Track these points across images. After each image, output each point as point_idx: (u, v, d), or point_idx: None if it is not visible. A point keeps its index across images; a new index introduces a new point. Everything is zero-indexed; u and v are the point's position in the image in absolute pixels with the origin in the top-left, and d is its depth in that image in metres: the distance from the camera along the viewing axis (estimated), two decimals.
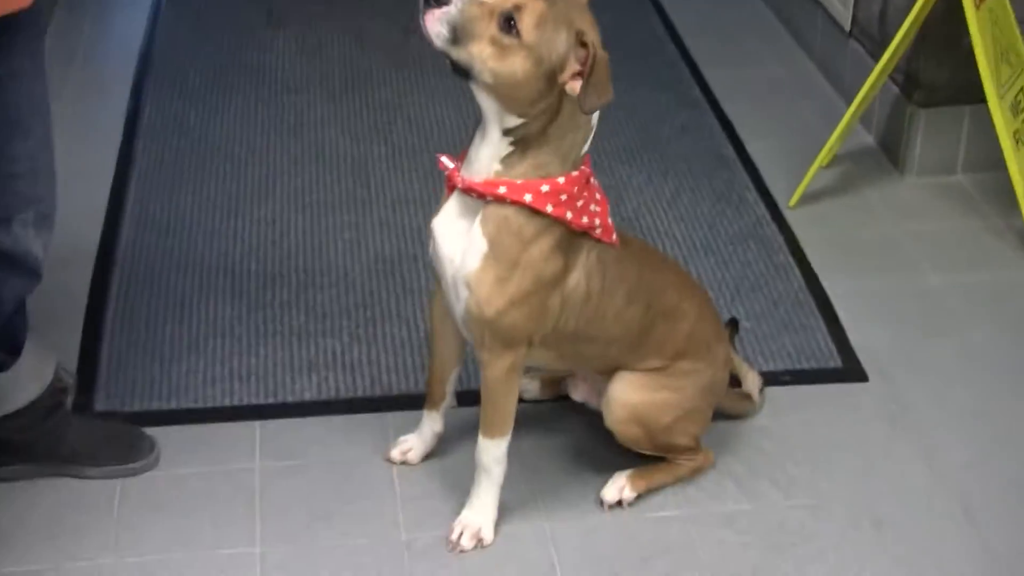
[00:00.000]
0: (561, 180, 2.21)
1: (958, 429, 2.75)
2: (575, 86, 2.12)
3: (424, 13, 2.12)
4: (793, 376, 2.88)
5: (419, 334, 2.97)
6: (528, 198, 2.20)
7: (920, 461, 2.66)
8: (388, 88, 4.02)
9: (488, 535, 2.45)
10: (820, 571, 2.41)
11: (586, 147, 2.25)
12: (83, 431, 2.61)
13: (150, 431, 2.68)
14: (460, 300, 2.30)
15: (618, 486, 2.55)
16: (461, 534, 2.45)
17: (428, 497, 2.56)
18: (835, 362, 2.93)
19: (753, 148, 3.75)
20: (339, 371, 2.88)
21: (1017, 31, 3.38)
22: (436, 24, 2.11)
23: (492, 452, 2.41)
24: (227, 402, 2.80)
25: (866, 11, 3.82)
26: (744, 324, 3.00)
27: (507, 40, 2.10)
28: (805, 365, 2.92)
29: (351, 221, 3.39)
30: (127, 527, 2.49)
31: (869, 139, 3.79)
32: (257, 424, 2.74)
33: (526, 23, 2.09)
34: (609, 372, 2.50)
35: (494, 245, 2.23)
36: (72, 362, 2.88)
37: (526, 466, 2.62)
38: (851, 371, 2.90)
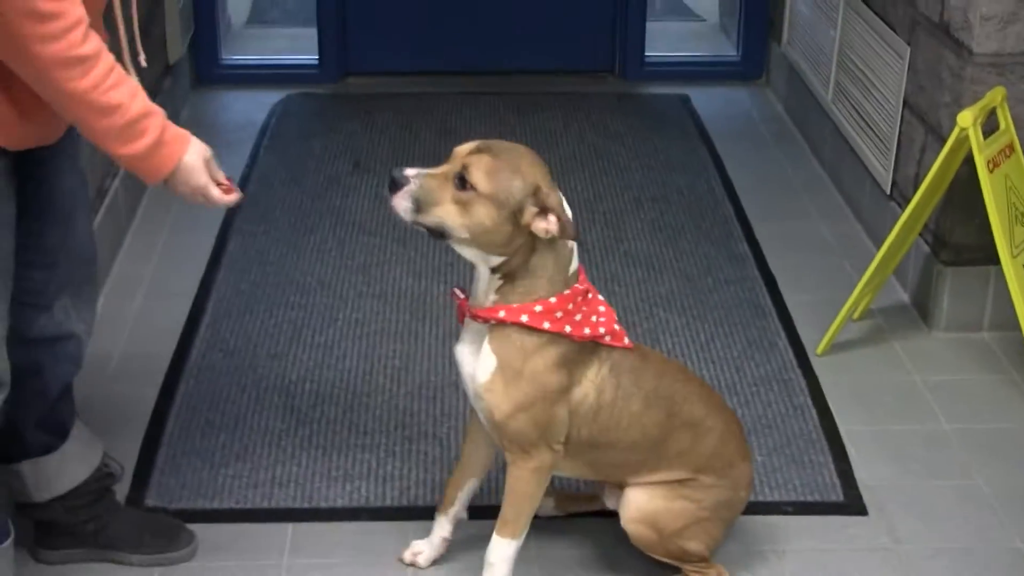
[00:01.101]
0: (553, 300, 2.46)
1: (945, 563, 2.88)
2: (539, 227, 2.39)
3: (392, 198, 2.43)
4: (795, 507, 3.05)
5: (450, 453, 3.19)
6: (524, 319, 2.46)
7: None
8: None
9: None
10: None
11: (573, 267, 2.49)
12: (128, 519, 2.86)
13: (192, 527, 2.92)
14: (480, 410, 2.56)
15: None
16: None
17: None
18: (837, 496, 3.09)
19: (790, 300, 3.95)
20: (371, 482, 3.12)
21: None
22: (401, 201, 2.42)
23: (502, 552, 2.61)
24: (264, 504, 3.05)
25: (904, 175, 4.04)
26: (756, 458, 3.18)
27: (466, 196, 2.39)
28: (808, 498, 3.08)
29: (402, 350, 3.65)
30: None
31: (904, 296, 3.98)
32: (290, 526, 2.98)
33: (478, 176, 2.38)
34: (638, 481, 2.69)
35: (501, 359, 2.49)
36: (131, 463, 3.16)
37: (532, 573, 2.81)
38: (851, 506, 3.06)
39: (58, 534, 2.81)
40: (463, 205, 2.39)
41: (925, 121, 3.88)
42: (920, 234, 3.81)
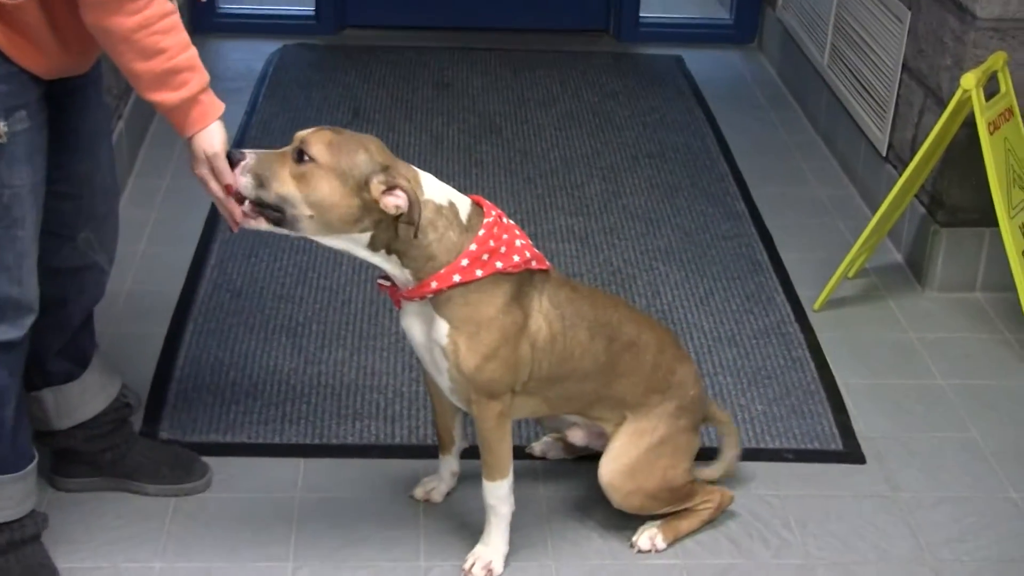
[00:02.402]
0: (473, 247, 2.45)
1: (943, 510, 2.96)
2: (388, 203, 2.35)
3: (233, 174, 2.37)
4: (795, 455, 3.12)
5: None
6: (457, 278, 2.45)
7: (904, 535, 2.88)
8: (455, 184, 4.33)
9: (498, 568, 2.71)
10: None
11: (464, 213, 2.47)
12: (145, 450, 2.91)
13: (206, 459, 2.98)
14: (442, 372, 2.57)
15: (650, 535, 2.80)
16: (474, 564, 2.70)
17: (447, 532, 2.83)
18: (836, 445, 3.16)
19: (787, 257, 4.02)
20: (380, 421, 3.17)
21: None
22: (240, 177, 2.37)
23: (495, 492, 2.68)
24: (276, 440, 3.10)
25: (900, 137, 4.11)
26: (756, 407, 3.26)
27: (304, 168, 2.34)
28: (808, 446, 3.15)
29: None
30: (177, 539, 2.78)
31: (897, 256, 4.05)
32: (301, 461, 3.03)
33: (316, 149, 2.34)
34: (591, 412, 2.75)
35: (454, 320, 2.49)
36: (143, 397, 3.20)
37: (540, 511, 2.89)
38: (850, 454, 3.14)
39: (77, 462, 2.86)
40: (302, 178, 2.33)
41: (924, 84, 3.95)
42: (916, 195, 3.88)
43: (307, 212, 2.35)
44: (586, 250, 4.01)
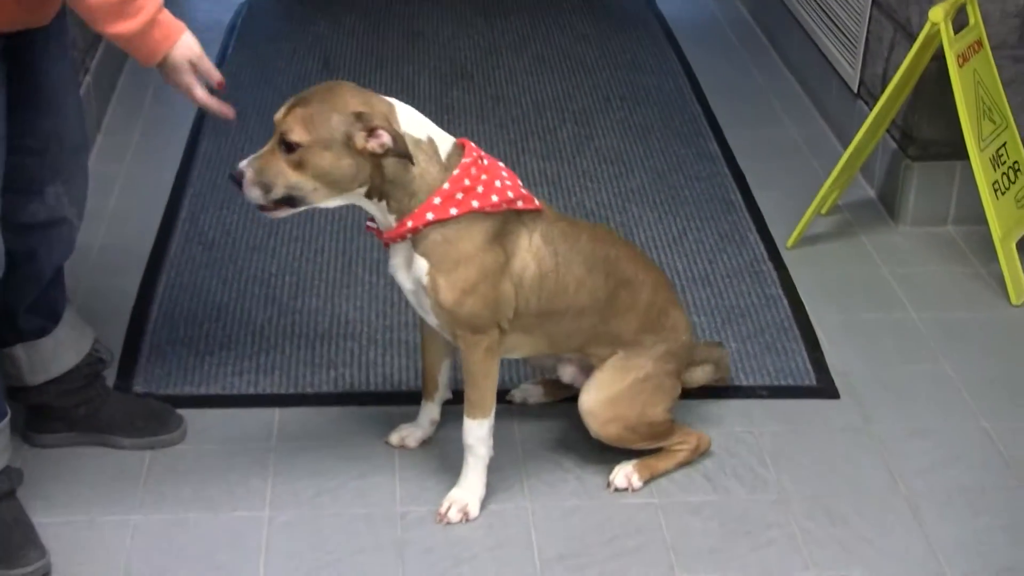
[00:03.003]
0: (446, 186, 2.50)
1: (916, 442, 2.98)
2: (374, 145, 2.42)
3: (242, 194, 2.49)
4: (769, 391, 3.13)
5: None
6: (430, 216, 2.49)
7: (878, 467, 2.90)
8: None
9: (474, 510, 2.72)
10: (772, 553, 2.65)
11: (444, 150, 2.52)
12: (119, 404, 2.91)
13: (180, 411, 2.98)
14: (428, 311, 2.61)
15: (625, 473, 2.82)
16: (449, 508, 2.71)
17: (423, 477, 2.84)
18: (810, 381, 3.18)
19: (760, 196, 4.02)
20: (355, 369, 3.17)
21: (1002, 91, 3.64)
22: (250, 192, 2.48)
23: (475, 432, 2.69)
24: (251, 391, 3.10)
25: (871, 73, 4.10)
26: (730, 345, 3.27)
27: (296, 156, 2.43)
28: (782, 382, 3.17)
29: (379, 243, 3.68)
30: (153, 491, 2.79)
31: (870, 192, 4.06)
32: (276, 411, 3.04)
33: (296, 132, 2.42)
34: (588, 349, 2.77)
35: (432, 258, 2.54)
36: (117, 351, 3.19)
37: (516, 454, 2.90)
38: (824, 389, 3.15)
39: (51, 418, 2.86)
40: (298, 164, 2.43)
41: (894, 19, 3.94)
42: (887, 130, 3.88)
43: (312, 187, 2.45)
44: (559, 193, 4.00)
